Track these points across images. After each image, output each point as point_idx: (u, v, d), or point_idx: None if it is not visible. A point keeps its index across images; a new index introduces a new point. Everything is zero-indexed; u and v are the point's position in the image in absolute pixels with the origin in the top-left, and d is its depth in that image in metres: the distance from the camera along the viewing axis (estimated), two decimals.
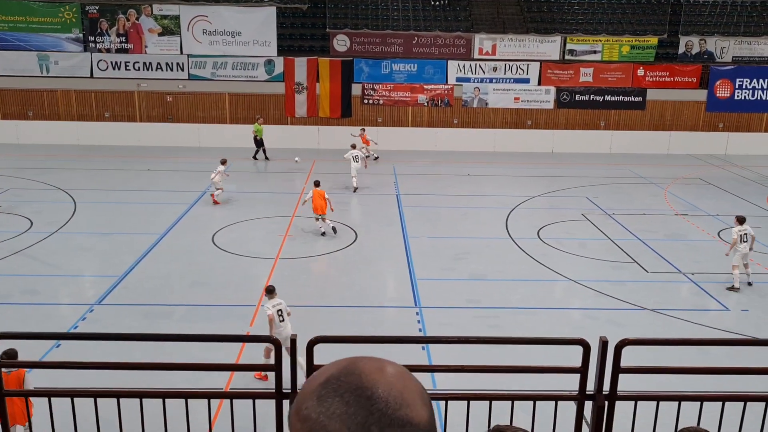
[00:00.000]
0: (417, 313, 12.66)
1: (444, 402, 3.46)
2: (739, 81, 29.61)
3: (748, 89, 29.63)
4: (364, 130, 26.06)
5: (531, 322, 12.30)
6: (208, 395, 3.68)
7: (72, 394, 3.57)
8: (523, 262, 15.45)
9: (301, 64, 27.82)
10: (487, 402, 3.43)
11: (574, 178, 23.94)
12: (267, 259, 15.21)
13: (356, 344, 3.80)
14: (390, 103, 28.96)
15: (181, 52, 28.16)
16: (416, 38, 29.07)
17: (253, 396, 3.57)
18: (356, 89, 28.58)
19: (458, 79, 29.06)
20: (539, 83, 29.31)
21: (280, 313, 9.87)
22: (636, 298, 13.43)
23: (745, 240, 13.74)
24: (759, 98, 29.76)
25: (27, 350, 3.74)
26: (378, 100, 28.80)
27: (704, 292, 13.82)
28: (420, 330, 11.98)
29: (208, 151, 26.55)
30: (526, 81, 29.27)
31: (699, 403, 3.38)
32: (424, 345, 10.78)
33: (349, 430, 1.08)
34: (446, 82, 29.04)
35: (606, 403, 3.21)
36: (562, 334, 11.43)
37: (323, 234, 16.85)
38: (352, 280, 14.25)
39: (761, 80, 29.62)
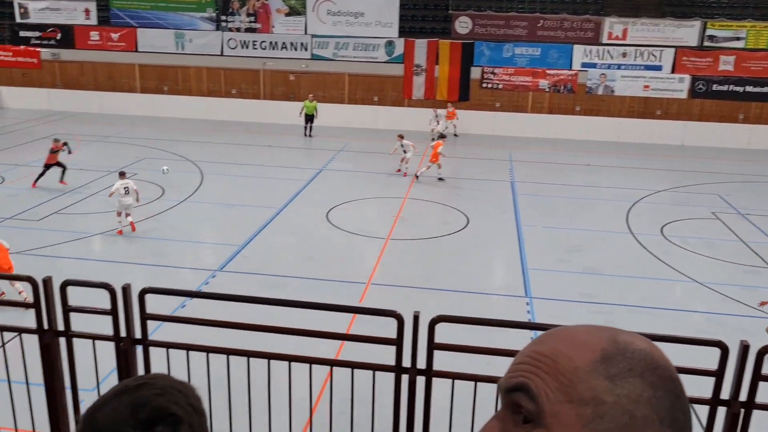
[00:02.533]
0: (527, 304, 12.38)
1: None
2: None
3: None
4: (451, 105, 26.90)
5: (649, 322, 11.69)
6: (330, 362, 3.78)
7: (207, 350, 3.79)
8: (643, 259, 14.71)
9: (421, 45, 27.76)
10: None
11: (706, 174, 22.45)
12: (378, 238, 15.40)
13: (476, 327, 3.77)
14: (510, 88, 28.35)
15: (306, 32, 28.91)
16: (542, 21, 28.19)
17: (374, 368, 3.63)
18: (475, 72, 28.18)
19: (584, 65, 27.94)
20: (672, 71, 27.62)
21: (126, 189, 14.80)
22: None
23: None
24: None
25: (157, 306, 4.00)
26: (497, 84, 28.27)
27: None
28: (529, 321, 11.71)
29: (325, 129, 27.17)
30: (658, 68, 27.67)
31: None
32: (533, 335, 10.55)
33: (659, 417, 0.90)
34: (570, 67, 28.00)
35: (742, 410, 2.98)
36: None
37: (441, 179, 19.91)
38: (461, 264, 14.15)
39: None
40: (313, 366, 3.76)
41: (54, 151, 18.41)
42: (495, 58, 28.12)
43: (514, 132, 27.28)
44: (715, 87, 27.46)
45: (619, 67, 27.74)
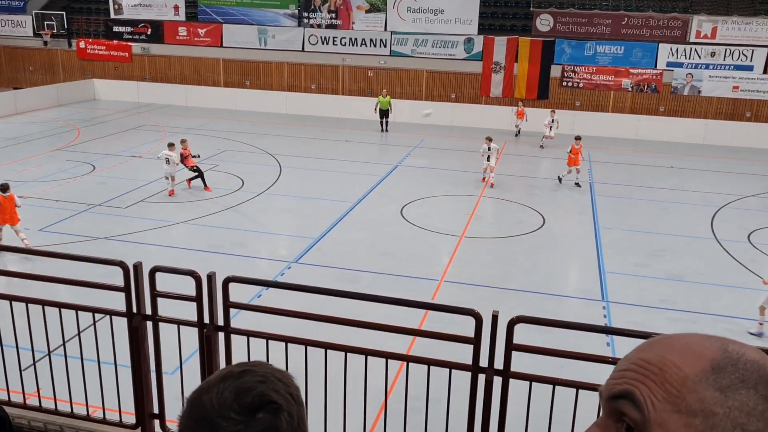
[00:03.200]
0: (603, 308, 12.13)
1: None
2: None
3: None
4: (521, 104, 26.60)
5: (733, 333, 11.24)
6: (406, 358, 3.86)
7: (286, 339, 3.94)
8: (728, 266, 14.13)
9: (500, 43, 27.50)
10: None
11: None
12: (452, 235, 15.41)
13: (556, 329, 3.78)
14: (590, 87, 27.72)
15: (385, 29, 29.13)
16: (626, 19, 27.41)
17: (450, 366, 3.68)
18: (555, 71, 27.69)
19: (669, 64, 26.99)
20: (764, 72, 26.31)
21: (167, 159, 17.27)
22: None
23: None
24: None
25: (235, 295, 4.17)
26: (578, 83, 27.69)
27: None
28: (606, 325, 11.47)
29: (403, 126, 27.33)
30: (749, 68, 26.42)
31: None
32: (609, 341, 10.36)
33: None
34: (655, 66, 27.11)
35: None
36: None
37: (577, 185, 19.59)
38: (536, 265, 13.99)
39: None
40: (389, 361, 3.84)
41: (186, 156, 17.89)
42: (576, 56, 27.54)
43: (595, 132, 26.63)
44: None
45: (707, 66, 26.65)
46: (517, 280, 13.19)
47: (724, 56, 26.56)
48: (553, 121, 24.46)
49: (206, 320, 4.01)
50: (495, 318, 3.48)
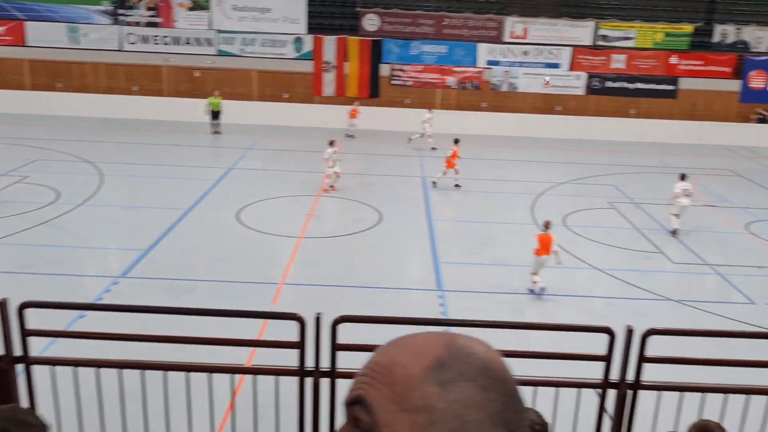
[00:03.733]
0: (440, 297, 12.65)
1: None
2: None
3: None
4: (357, 103, 26.60)
5: (554, 309, 12.22)
6: (232, 370, 3.70)
7: (98, 364, 3.61)
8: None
9: (330, 42, 27.68)
10: None
11: (603, 166, 23.63)
12: (291, 237, 15.28)
13: (380, 325, 3.80)
14: (418, 85, 28.77)
15: (211, 28, 28.19)
16: (447, 19, 28.75)
17: (276, 372, 3.59)
18: (385, 70, 28.40)
19: (488, 62, 28.71)
20: (570, 69, 28.86)
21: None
22: (660, 288, 13.27)
23: (687, 194, 16.28)
24: None
25: (52, 320, 3.78)
26: (406, 81, 28.62)
27: (730, 285, 13.60)
28: (442, 313, 11.97)
29: (235, 127, 26.66)
30: (557, 66, 28.83)
31: (723, 395, 3.32)
32: (448, 329, 10.79)
33: (490, 419, 0.92)
34: (476, 64, 28.71)
35: (629, 392, 3.17)
36: (585, 322, 11.32)
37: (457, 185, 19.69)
38: (375, 261, 14.26)
39: None
40: (223, 375, 3.68)
41: None
42: (403, 55, 28.44)
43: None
44: (608, 84, 28.90)
45: (521, 64, 28.70)
46: (358, 276, 13.37)
47: (536, 55, 28.76)
48: (428, 119, 25.09)
49: (2, 352, 3.59)
50: (318, 320, 3.43)
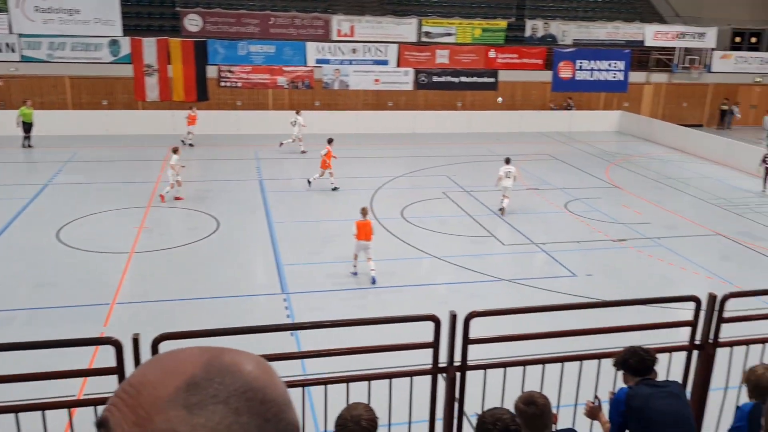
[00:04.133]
0: (285, 300, 12.45)
1: (312, 387, 3.36)
2: (579, 62, 31.65)
3: (587, 70, 31.78)
4: (194, 109, 25.50)
5: (397, 300, 12.48)
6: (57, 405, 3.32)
7: None
8: (388, 242, 15.63)
9: (150, 44, 26.27)
10: (345, 384, 3.36)
11: (435, 158, 24.59)
12: (121, 253, 14.30)
13: (215, 338, 3.59)
14: (249, 86, 28.20)
15: (11, 32, 25.61)
16: (273, 19, 28.45)
17: (94, 403, 3.27)
18: (212, 71, 27.50)
19: (318, 61, 28.81)
20: (398, 65, 29.73)
21: None
22: (495, 270, 14.03)
23: (509, 177, 17.52)
24: (597, 79, 32.02)
25: None
26: (236, 82, 27.94)
27: (555, 261, 14.70)
28: (288, 316, 11.80)
29: (50, 139, 24.51)
30: (385, 63, 29.58)
31: (541, 366, 3.50)
32: (292, 332, 10.62)
33: None
34: (306, 63, 28.69)
35: (457, 374, 3.24)
36: (428, 309, 11.63)
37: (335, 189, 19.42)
38: (215, 270, 13.74)
39: (598, 62, 31.86)
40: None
41: None
42: (230, 56, 27.72)
43: (258, 130, 27.21)
44: (435, 79, 30.17)
45: (350, 62, 29.10)
46: (199, 288, 12.80)
47: (364, 52, 29.29)
48: (295, 122, 24.39)
49: None
50: (136, 342, 3.16)
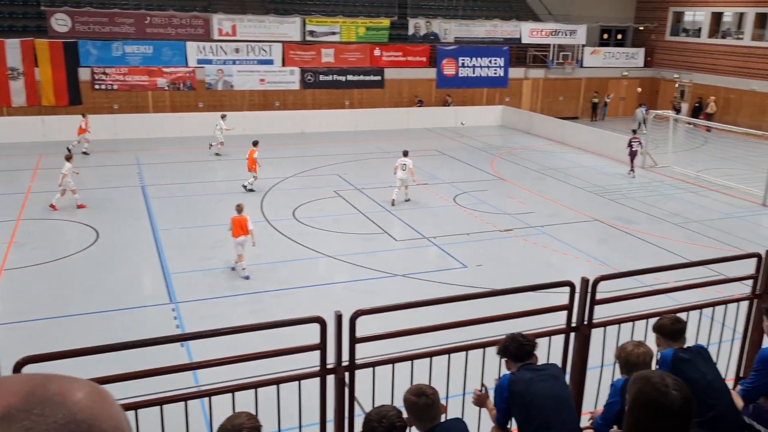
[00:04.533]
0: (173, 309, 11.96)
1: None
2: (462, 60, 32.65)
3: (469, 67, 32.83)
4: (84, 115, 24.01)
5: (294, 303, 12.31)
6: None
7: None
8: (281, 244, 15.42)
9: (13, 46, 24.47)
10: (230, 394, 3.23)
11: (325, 157, 24.51)
12: None
13: (90, 356, 3.35)
14: (126, 88, 26.92)
15: None
16: (149, 18, 27.29)
17: None
18: (85, 74, 26.03)
19: (199, 61, 27.96)
20: (283, 64, 29.39)
21: None
22: (388, 266, 14.15)
23: (404, 169, 18.28)
24: (479, 75, 33.14)
25: None
26: (111, 85, 26.59)
27: (446, 254, 15.03)
28: (178, 326, 11.35)
29: None
30: (270, 62, 29.16)
31: (429, 359, 3.53)
32: (182, 342, 10.21)
33: None
34: (187, 64, 27.77)
35: (346, 374, 3.20)
36: (324, 309, 11.53)
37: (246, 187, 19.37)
38: (96, 283, 12.99)
39: (480, 59, 32.98)
40: None
41: None
42: (104, 57, 26.34)
43: (138, 134, 26.03)
44: (321, 77, 30.10)
45: (234, 62, 28.45)
46: (78, 304, 12.04)
47: (248, 52, 28.72)
48: (218, 125, 23.90)
49: None
50: None
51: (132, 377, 3.34)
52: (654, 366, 3.92)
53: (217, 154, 24.07)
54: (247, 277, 13.21)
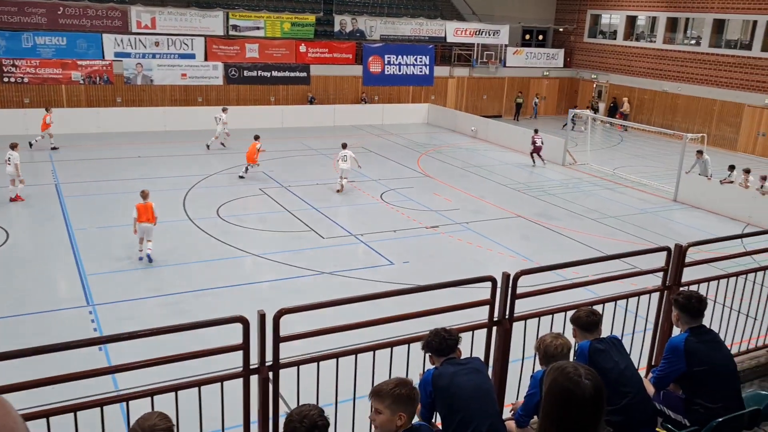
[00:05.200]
0: (90, 312, 11.49)
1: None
2: (388, 57, 32.82)
3: (395, 65, 33.04)
4: (48, 109, 23.11)
5: (218, 302, 12.05)
6: None
7: None
8: (204, 243, 15.07)
9: None
10: (149, 398, 3.12)
11: None
12: None
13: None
14: (38, 82, 25.66)
15: None
16: (62, 8, 26.08)
17: None
18: None
19: (117, 55, 26.96)
20: (206, 59, 28.72)
21: None
22: (315, 264, 14.07)
23: (345, 160, 19.52)
24: (405, 73, 33.40)
25: None
26: (22, 77, 25.28)
27: (373, 251, 15.08)
28: (95, 330, 10.90)
29: None
30: (192, 57, 28.44)
31: (354, 356, 3.52)
32: (101, 346, 9.82)
33: None
34: (103, 57, 26.72)
35: (270, 373, 3.15)
36: (249, 308, 11.36)
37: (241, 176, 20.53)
38: (7, 286, 12.33)
39: (405, 57, 33.24)
40: None
41: None
42: (13, 48, 25.00)
43: (52, 129, 24.84)
44: (246, 73, 29.59)
45: (153, 56, 27.58)
46: None
47: (168, 45, 27.88)
48: (219, 119, 24.59)
49: None
50: None
51: (44, 383, 3.18)
52: (572, 357, 4.05)
53: (222, 144, 24.96)
54: (149, 259, 13.53)
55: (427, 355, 3.79)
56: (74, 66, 26.11)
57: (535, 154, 24.86)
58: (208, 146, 24.38)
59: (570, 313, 4.75)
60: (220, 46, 28.94)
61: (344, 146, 19.85)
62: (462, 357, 3.80)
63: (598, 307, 4.93)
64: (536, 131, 25.18)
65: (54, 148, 23.03)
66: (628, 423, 3.91)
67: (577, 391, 2.32)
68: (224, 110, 25.23)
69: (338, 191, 19.60)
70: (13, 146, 17.47)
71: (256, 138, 20.97)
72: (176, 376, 3.77)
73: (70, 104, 26.44)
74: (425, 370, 3.79)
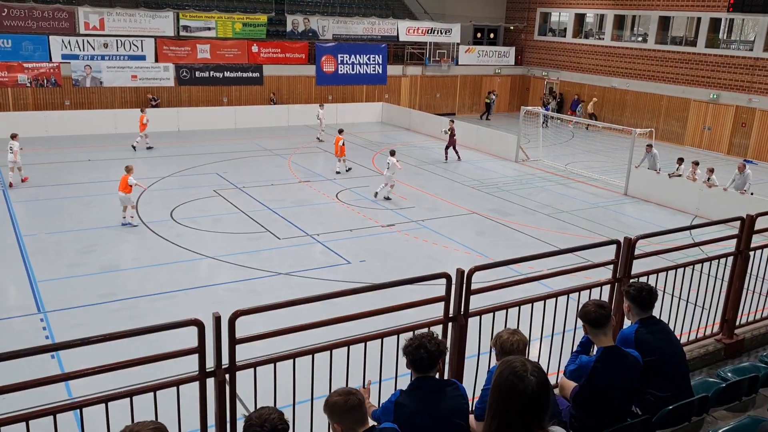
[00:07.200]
0: (42, 320, 11.20)
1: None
2: (341, 57, 32.79)
3: (349, 64, 33.02)
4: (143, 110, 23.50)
5: (173, 306, 11.89)
6: None
7: None
8: (158, 246, 14.84)
9: None
10: (104, 404, 3.09)
11: (203, 156, 23.82)
12: None
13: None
14: None
15: None
16: (7, 10, 25.29)
17: None
18: None
19: (64, 57, 26.28)
20: (156, 60, 28.22)
21: None
22: (272, 265, 13.99)
23: (388, 168, 19.09)
24: (358, 72, 33.41)
25: None
26: None
27: (330, 250, 15.07)
28: (47, 337, 10.65)
29: None
30: (143, 58, 27.91)
31: (311, 355, 3.54)
32: (53, 353, 9.60)
33: None
34: (50, 59, 26.00)
35: (227, 376, 3.15)
36: (206, 311, 11.16)
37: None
38: None
39: (358, 56, 33.25)
40: None
41: None
42: None
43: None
44: (197, 74, 29.18)
45: (103, 57, 26.98)
46: None
47: (117, 47, 27.30)
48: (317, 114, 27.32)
49: None
50: None
51: None
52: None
53: (319, 140, 27.38)
54: (130, 224, 15.76)
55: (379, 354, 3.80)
56: (20, 68, 25.36)
57: (450, 148, 24.86)
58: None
59: (525, 308, 4.87)
60: (171, 47, 28.47)
61: (392, 153, 19.32)
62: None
63: (551, 301, 5.05)
64: (452, 121, 25.54)
65: (149, 148, 24.41)
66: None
67: (520, 386, 2.37)
68: (321, 106, 28.18)
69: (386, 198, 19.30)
70: (13, 136, 19.13)
71: (341, 132, 22.39)
72: (131, 381, 3.73)
73: (16, 108, 25.68)
74: (381, 368, 3.82)
